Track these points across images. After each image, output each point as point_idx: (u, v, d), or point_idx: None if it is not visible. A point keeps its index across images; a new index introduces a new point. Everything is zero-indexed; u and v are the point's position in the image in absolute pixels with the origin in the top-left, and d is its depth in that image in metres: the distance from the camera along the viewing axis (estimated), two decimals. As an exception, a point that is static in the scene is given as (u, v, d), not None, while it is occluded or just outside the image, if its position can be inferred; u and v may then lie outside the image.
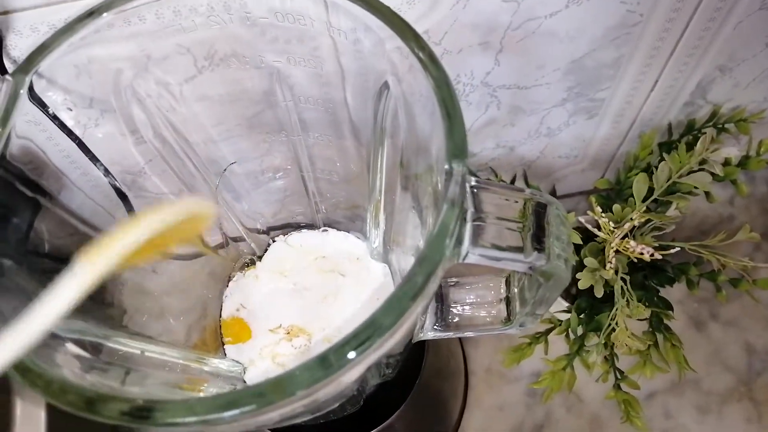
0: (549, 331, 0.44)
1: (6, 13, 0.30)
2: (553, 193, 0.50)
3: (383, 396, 0.37)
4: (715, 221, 0.57)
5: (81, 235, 0.31)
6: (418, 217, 0.27)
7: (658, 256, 0.39)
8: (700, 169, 0.42)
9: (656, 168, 0.40)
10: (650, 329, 0.41)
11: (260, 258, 0.36)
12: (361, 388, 0.26)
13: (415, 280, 0.17)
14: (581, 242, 0.41)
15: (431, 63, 0.20)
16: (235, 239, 0.37)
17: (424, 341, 0.40)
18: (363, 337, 0.16)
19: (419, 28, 0.35)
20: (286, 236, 0.36)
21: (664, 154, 0.40)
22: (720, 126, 0.47)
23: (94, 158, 0.32)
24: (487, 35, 0.37)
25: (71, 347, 0.25)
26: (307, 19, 0.24)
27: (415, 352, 0.39)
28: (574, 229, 0.44)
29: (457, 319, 0.31)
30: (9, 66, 0.31)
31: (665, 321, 0.42)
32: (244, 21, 0.25)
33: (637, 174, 0.40)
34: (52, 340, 0.24)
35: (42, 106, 0.26)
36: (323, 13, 0.23)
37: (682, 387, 0.51)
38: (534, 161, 0.52)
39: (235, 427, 0.20)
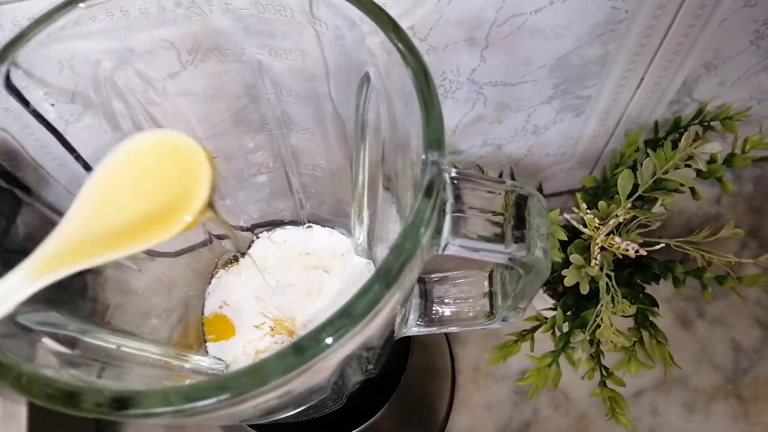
0: (535, 328, 0.44)
1: (-15, 6, 0.29)
2: (540, 191, 0.49)
3: (368, 394, 0.37)
4: (702, 220, 0.57)
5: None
6: (399, 214, 0.27)
7: (643, 252, 0.39)
8: (686, 166, 0.42)
9: (642, 165, 0.40)
10: (635, 326, 0.41)
11: (243, 254, 0.36)
12: (341, 383, 0.26)
13: (389, 268, 0.16)
14: (567, 239, 0.41)
15: (409, 53, 0.19)
16: (219, 236, 0.37)
17: (410, 339, 0.40)
18: (337, 325, 0.16)
19: (404, 24, 0.35)
20: (270, 233, 0.36)
21: (649, 151, 0.40)
22: (706, 124, 0.47)
23: (73, 151, 0.31)
24: (472, 31, 0.37)
25: (47, 342, 0.25)
26: (287, 10, 0.23)
27: (400, 349, 0.39)
28: (561, 227, 0.44)
29: (440, 314, 0.31)
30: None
31: (651, 318, 0.42)
32: (225, 12, 0.24)
33: (622, 171, 0.40)
34: (26, 334, 0.24)
35: (19, 97, 0.26)
36: (303, 4, 0.23)
37: (670, 385, 0.51)
38: (522, 159, 0.52)
39: (213, 418, 0.20)
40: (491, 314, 0.29)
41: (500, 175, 0.53)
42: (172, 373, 0.31)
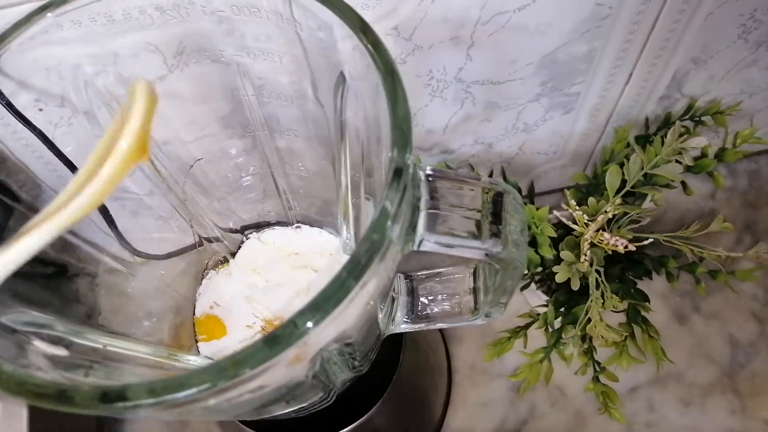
0: (528, 325, 0.44)
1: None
2: (531, 189, 0.50)
3: (360, 391, 0.37)
4: (696, 215, 0.57)
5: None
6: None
7: (632, 248, 0.39)
8: (677, 161, 0.42)
9: (629, 160, 0.40)
10: (627, 321, 0.41)
11: (234, 255, 0.36)
12: (326, 379, 0.26)
13: (357, 261, 0.17)
14: (556, 236, 0.41)
15: (377, 51, 0.20)
16: (209, 239, 0.37)
17: (401, 337, 0.40)
18: (308, 316, 0.16)
19: (388, 24, 0.35)
20: (259, 233, 0.37)
21: (636, 147, 0.40)
22: (697, 119, 0.47)
23: (61, 155, 0.32)
24: (457, 30, 0.37)
25: (37, 343, 0.25)
26: (261, 12, 0.24)
27: (391, 347, 0.39)
28: (552, 225, 0.44)
29: (427, 311, 0.31)
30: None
31: (642, 313, 0.42)
32: (203, 15, 0.25)
33: (610, 167, 0.40)
34: (12, 335, 0.24)
35: (5, 102, 0.26)
36: (276, 5, 0.23)
37: (666, 380, 0.51)
38: (513, 158, 0.52)
39: (203, 411, 0.21)
40: (475, 310, 0.29)
41: (491, 174, 0.53)
42: (164, 372, 0.32)
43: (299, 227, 0.36)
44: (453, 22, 0.36)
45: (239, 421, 0.38)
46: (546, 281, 0.48)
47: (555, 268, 0.41)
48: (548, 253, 0.42)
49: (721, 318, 0.53)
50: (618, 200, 0.40)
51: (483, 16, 0.36)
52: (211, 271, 0.36)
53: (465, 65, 0.40)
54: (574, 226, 0.42)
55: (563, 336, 0.41)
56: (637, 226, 0.43)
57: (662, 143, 0.42)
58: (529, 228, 0.42)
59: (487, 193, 0.23)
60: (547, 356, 0.41)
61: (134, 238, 0.35)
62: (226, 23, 0.25)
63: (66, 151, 0.32)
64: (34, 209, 0.30)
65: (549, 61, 0.41)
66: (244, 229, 0.37)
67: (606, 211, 0.40)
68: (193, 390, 0.16)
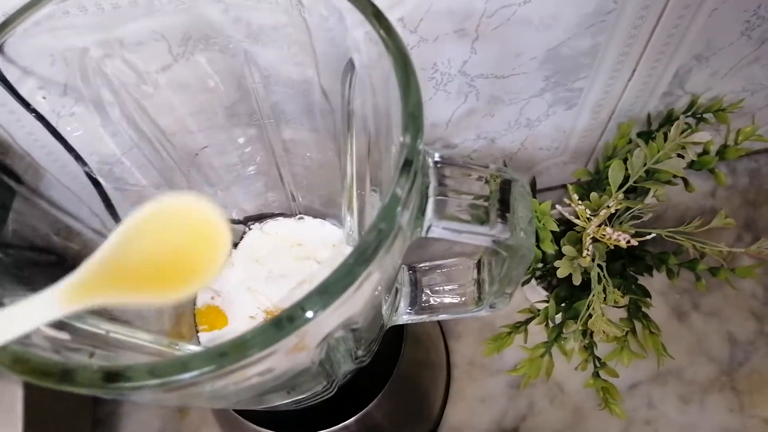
0: (529, 320, 0.44)
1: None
2: (533, 185, 0.50)
3: (360, 384, 0.37)
4: (697, 213, 0.57)
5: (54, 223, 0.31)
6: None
7: (634, 242, 0.39)
8: (678, 156, 0.43)
9: (632, 155, 0.40)
10: (628, 317, 0.41)
11: (236, 246, 0.36)
12: (330, 369, 0.26)
13: (366, 247, 0.17)
14: (558, 230, 0.41)
15: (389, 37, 0.20)
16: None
17: (402, 330, 0.40)
18: (315, 300, 0.16)
19: (394, 16, 0.35)
20: (262, 224, 0.36)
21: (639, 141, 0.40)
22: (699, 116, 0.47)
23: (65, 142, 0.32)
24: (462, 22, 0.37)
25: (42, 326, 0.25)
26: (271, -2, 0.24)
27: (392, 340, 0.39)
28: (555, 220, 0.44)
29: (430, 302, 0.31)
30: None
31: (643, 309, 0.42)
32: (211, 0, 0.25)
33: (613, 162, 0.40)
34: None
35: (8, 87, 0.26)
36: (286, -10, 0.23)
37: (665, 377, 0.51)
38: (515, 153, 0.52)
39: (206, 395, 0.20)
40: (479, 300, 0.29)
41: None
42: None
43: (302, 218, 0.36)
44: (458, 15, 0.36)
45: (238, 413, 0.38)
46: (547, 277, 0.48)
47: (557, 263, 0.41)
48: (550, 248, 0.42)
49: (721, 316, 0.53)
50: (620, 195, 0.40)
51: (488, 8, 0.36)
52: (213, 261, 0.35)
53: (469, 58, 0.40)
54: (577, 221, 0.42)
55: (564, 331, 0.41)
56: (638, 221, 0.43)
57: (665, 139, 0.42)
58: (532, 222, 0.42)
59: (495, 180, 0.23)
60: (548, 351, 0.41)
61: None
62: (232, 10, 0.25)
63: (68, 140, 0.32)
64: (37, 193, 0.30)
65: (553, 56, 0.41)
66: (247, 220, 0.37)
67: (608, 206, 0.40)
68: (197, 372, 0.16)
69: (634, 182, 0.41)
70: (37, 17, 0.24)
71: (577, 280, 0.40)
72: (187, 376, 0.16)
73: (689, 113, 0.47)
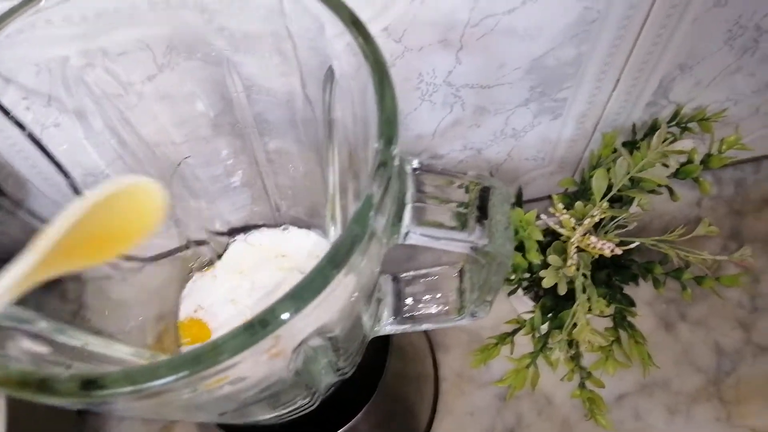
0: (515, 331, 0.44)
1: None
2: (519, 195, 0.50)
3: (344, 397, 0.36)
4: (682, 222, 0.57)
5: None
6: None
7: (618, 251, 0.39)
8: (664, 165, 0.43)
9: (616, 164, 0.40)
10: (613, 326, 0.41)
11: (219, 257, 0.36)
12: (310, 379, 0.26)
13: (338, 251, 0.17)
14: (543, 239, 0.41)
15: (365, 41, 0.20)
16: (196, 242, 0.37)
17: (387, 342, 0.39)
18: (287, 304, 0.16)
19: (378, 26, 0.35)
20: (246, 235, 0.36)
21: (622, 149, 0.40)
22: (683, 126, 0.48)
23: (48, 155, 0.32)
24: (446, 32, 0.37)
25: (19, 338, 0.25)
26: (252, 5, 0.24)
27: (376, 353, 0.39)
28: (541, 231, 0.44)
29: (413, 312, 0.31)
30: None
31: (629, 318, 0.42)
32: (191, 8, 0.25)
33: (597, 171, 0.40)
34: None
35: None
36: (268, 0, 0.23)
37: (652, 388, 0.51)
38: (502, 164, 0.52)
39: (185, 403, 0.20)
40: (461, 309, 0.29)
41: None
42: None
43: (287, 229, 0.36)
44: (442, 25, 0.36)
45: (222, 428, 0.37)
46: (533, 287, 0.47)
47: (542, 273, 0.41)
48: (536, 258, 0.42)
49: (707, 325, 0.53)
50: (605, 204, 0.40)
51: (472, 18, 0.36)
52: (196, 273, 0.35)
53: (454, 68, 0.40)
54: (562, 230, 0.42)
55: (550, 341, 0.41)
56: (623, 231, 0.43)
57: (649, 148, 0.42)
58: (517, 232, 0.42)
59: (473, 188, 0.23)
60: (534, 361, 0.40)
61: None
62: (215, 17, 0.25)
63: (52, 151, 0.31)
64: (19, 204, 0.30)
65: (537, 66, 0.41)
66: (232, 232, 0.37)
67: (593, 215, 0.40)
68: (172, 377, 0.16)
69: (619, 191, 0.41)
70: (20, 24, 0.24)
71: (562, 290, 0.40)
72: (161, 381, 0.16)
73: (673, 123, 0.47)
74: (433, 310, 0.30)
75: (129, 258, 0.33)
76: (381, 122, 0.18)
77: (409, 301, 0.31)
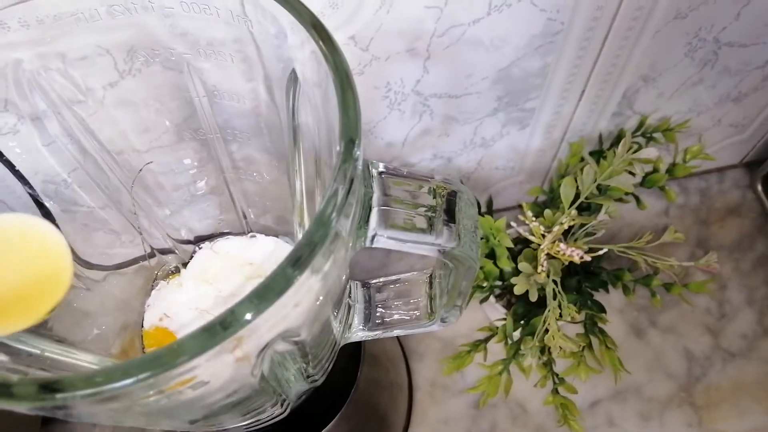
0: (488, 338, 0.44)
1: None
2: (489, 204, 0.50)
3: (316, 405, 0.36)
4: (650, 231, 0.58)
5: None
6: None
7: (587, 258, 0.40)
8: (630, 173, 0.43)
9: (582, 172, 0.41)
10: (585, 332, 0.42)
11: (185, 265, 0.35)
12: (277, 386, 0.26)
13: (300, 251, 0.16)
14: (513, 246, 0.41)
15: (325, 44, 0.20)
16: (161, 251, 0.36)
17: (359, 350, 0.39)
18: (247, 306, 0.16)
19: (345, 34, 0.36)
20: (212, 243, 0.36)
21: (588, 158, 0.41)
22: (648, 136, 0.49)
23: (6, 162, 0.31)
24: (413, 42, 0.37)
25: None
26: (211, 8, 0.24)
27: (348, 360, 0.38)
28: (512, 240, 0.45)
29: (384, 318, 0.31)
30: None
31: (600, 324, 0.42)
32: (149, 11, 0.25)
33: (564, 179, 0.41)
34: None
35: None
36: (227, 2, 0.23)
37: (625, 394, 0.51)
38: (472, 173, 0.52)
39: (142, 408, 0.20)
40: (432, 314, 0.29)
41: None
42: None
43: (254, 236, 0.36)
44: (409, 34, 0.37)
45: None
46: (505, 295, 0.48)
47: (513, 280, 0.41)
48: (507, 266, 0.42)
49: (677, 332, 0.54)
50: (573, 212, 0.41)
51: (438, 28, 0.37)
52: (161, 281, 0.35)
53: (422, 78, 0.40)
54: (532, 238, 0.42)
55: (522, 348, 0.41)
56: (592, 238, 0.44)
57: (614, 156, 0.43)
58: (488, 239, 0.42)
59: (441, 191, 0.24)
60: (506, 368, 0.40)
61: (85, 252, 0.34)
62: (174, 21, 0.25)
63: (11, 158, 0.31)
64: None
65: (504, 76, 0.42)
66: (198, 240, 0.36)
67: (562, 223, 0.40)
68: (131, 379, 0.16)
69: (587, 199, 0.41)
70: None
71: (533, 297, 0.40)
72: (120, 384, 0.16)
73: (638, 133, 0.48)
74: (404, 315, 0.30)
75: (91, 266, 0.32)
76: (342, 124, 0.18)
77: (379, 307, 0.31)
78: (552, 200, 0.47)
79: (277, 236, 0.36)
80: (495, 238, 0.40)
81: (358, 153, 0.18)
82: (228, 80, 0.27)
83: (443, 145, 0.48)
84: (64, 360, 0.28)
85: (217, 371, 0.18)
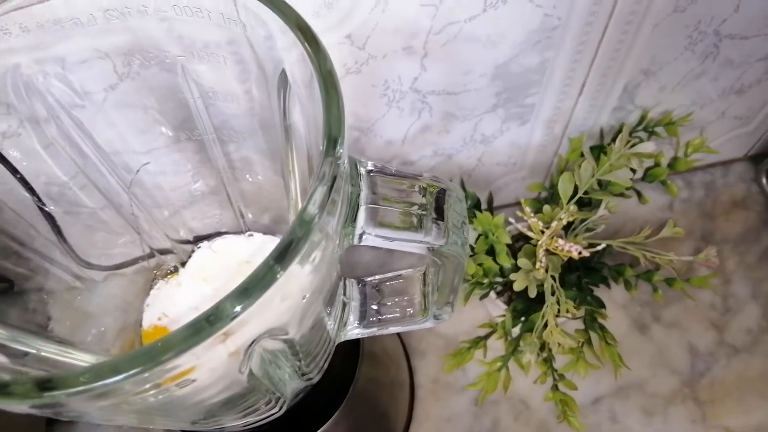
0: (488, 335, 0.44)
1: None
2: (490, 201, 0.50)
3: (314, 404, 0.36)
4: (654, 226, 0.57)
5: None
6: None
7: (586, 254, 0.39)
8: (631, 169, 0.43)
9: (580, 167, 0.41)
10: (584, 328, 0.41)
11: (183, 265, 0.36)
12: (272, 386, 0.26)
13: (282, 247, 0.17)
14: (512, 242, 0.41)
15: (311, 45, 0.20)
16: (161, 251, 0.37)
17: (357, 348, 0.39)
18: (233, 302, 0.16)
19: (341, 33, 0.36)
20: (210, 242, 0.36)
21: (588, 154, 0.41)
22: (650, 130, 0.48)
23: (9, 165, 0.31)
24: (410, 39, 0.37)
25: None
26: (203, 12, 0.24)
27: (347, 359, 0.39)
28: (512, 236, 0.45)
29: (379, 315, 0.31)
30: None
31: (600, 320, 0.42)
32: (144, 15, 0.25)
33: (562, 174, 0.41)
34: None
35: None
36: (219, 5, 0.23)
37: (628, 390, 0.51)
38: (473, 169, 0.52)
39: (138, 405, 0.20)
40: (425, 310, 0.29)
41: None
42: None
43: (252, 235, 0.36)
44: (405, 32, 0.37)
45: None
46: (505, 291, 0.48)
47: (512, 276, 0.41)
48: (506, 262, 0.42)
49: (681, 327, 0.54)
50: (572, 207, 0.41)
51: (434, 26, 0.37)
52: (160, 281, 0.35)
53: (420, 75, 0.40)
54: (531, 234, 0.42)
55: (521, 344, 0.41)
56: (592, 233, 0.44)
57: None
58: (487, 236, 0.42)
59: (429, 189, 0.24)
60: (505, 364, 0.40)
61: (86, 252, 0.34)
62: (169, 24, 0.25)
63: (13, 162, 0.31)
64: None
65: (502, 72, 0.41)
66: (196, 239, 0.37)
67: (560, 218, 0.40)
68: (124, 374, 0.16)
69: (586, 194, 0.41)
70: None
71: (532, 293, 0.40)
72: (115, 379, 0.16)
73: (640, 127, 0.48)
74: (399, 312, 0.31)
75: (91, 267, 0.33)
76: (326, 122, 0.19)
77: (374, 304, 0.31)
78: (552, 196, 0.46)
79: (274, 235, 0.36)
80: (494, 235, 0.40)
81: (341, 151, 0.19)
82: (222, 81, 0.28)
83: (443, 142, 0.48)
84: (63, 361, 0.28)
85: (206, 367, 0.18)
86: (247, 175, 0.33)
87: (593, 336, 0.41)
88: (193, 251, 0.36)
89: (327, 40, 0.29)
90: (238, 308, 0.16)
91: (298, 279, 0.18)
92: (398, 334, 0.52)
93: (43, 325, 0.31)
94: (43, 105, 0.28)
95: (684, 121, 0.48)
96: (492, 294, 0.46)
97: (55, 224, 0.34)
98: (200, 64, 0.27)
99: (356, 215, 0.22)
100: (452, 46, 0.38)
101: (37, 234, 0.33)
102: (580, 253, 0.39)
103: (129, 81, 0.30)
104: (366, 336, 0.31)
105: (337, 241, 0.21)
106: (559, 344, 0.38)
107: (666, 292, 0.47)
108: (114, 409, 0.21)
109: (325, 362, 0.31)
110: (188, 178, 0.34)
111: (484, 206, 0.48)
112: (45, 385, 0.17)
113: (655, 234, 0.41)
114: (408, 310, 0.30)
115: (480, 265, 0.43)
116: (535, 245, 0.43)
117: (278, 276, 0.16)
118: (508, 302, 0.48)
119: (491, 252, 0.43)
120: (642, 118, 0.49)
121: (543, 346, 0.41)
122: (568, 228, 0.45)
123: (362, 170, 0.23)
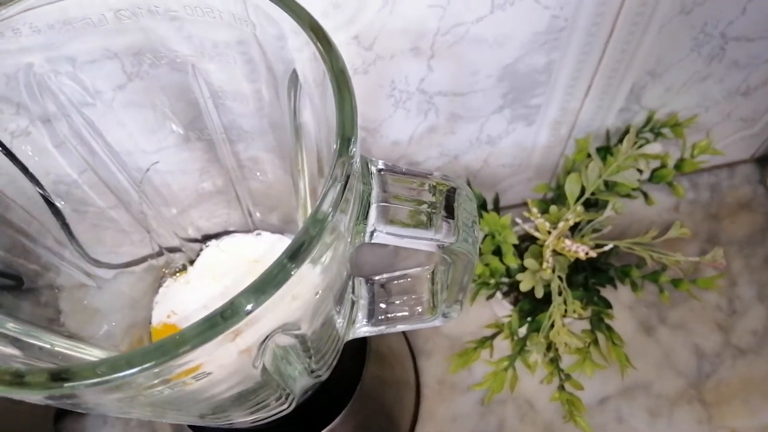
0: (495, 335, 0.44)
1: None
2: (496, 201, 0.50)
3: (322, 402, 0.36)
4: (660, 227, 0.58)
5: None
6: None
7: (592, 254, 0.40)
8: (638, 170, 0.43)
9: (588, 168, 0.41)
10: (591, 328, 0.42)
11: (192, 263, 0.36)
12: (282, 382, 0.26)
13: (296, 245, 0.17)
14: (518, 242, 0.41)
15: (322, 43, 0.20)
16: (170, 249, 0.37)
17: (364, 347, 0.39)
18: (247, 298, 0.16)
19: (348, 34, 0.36)
20: (219, 241, 0.36)
21: (595, 155, 0.41)
22: (657, 131, 0.48)
23: (19, 164, 0.32)
24: (417, 41, 0.38)
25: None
26: (215, 12, 0.24)
27: (355, 356, 0.39)
28: (519, 237, 0.45)
29: (387, 313, 0.31)
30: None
31: (606, 320, 0.42)
32: (155, 15, 0.25)
33: (569, 175, 0.41)
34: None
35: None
36: (229, 5, 0.24)
37: (634, 391, 0.51)
38: (479, 170, 0.52)
39: (150, 399, 0.20)
40: (434, 309, 0.29)
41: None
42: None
43: (260, 234, 0.36)
44: (412, 33, 0.37)
45: (197, 429, 0.37)
46: (512, 291, 0.48)
47: (519, 276, 0.41)
48: (513, 262, 0.43)
49: (687, 328, 0.54)
50: (579, 208, 0.41)
51: (441, 27, 0.37)
52: (169, 279, 0.35)
53: (427, 76, 0.40)
54: (538, 234, 0.42)
55: (528, 344, 0.41)
56: (599, 234, 0.44)
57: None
58: (493, 236, 0.42)
59: (440, 188, 0.24)
60: (512, 364, 0.41)
61: (95, 251, 0.35)
62: (179, 24, 0.26)
63: (23, 160, 0.31)
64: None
65: (509, 73, 0.42)
66: (205, 238, 0.37)
67: (567, 219, 0.40)
68: (137, 368, 0.16)
69: (593, 195, 0.41)
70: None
71: (539, 293, 0.41)
72: (127, 372, 0.16)
73: (647, 128, 0.48)
74: (408, 311, 0.31)
75: (101, 265, 0.33)
76: (339, 122, 0.19)
77: (382, 303, 0.31)
78: (558, 197, 0.47)
79: (282, 234, 0.36)
80: (500, 235, 0.41)
81: (354, 150, 0.19)
82: (232, 81, 0.28)
83: (449, 142, 0.48)
84: (74, 355, 0.29)
85: (219, 362, 0.18)
86: (257, 173, 0.33)
87: (600, 336, 0.41)
88: (201, 249, 0.36)
89: (334, 41, 0.29)
90: (252, 305, 0.16)
91: (310, 277, 0.18)
92: (404, 335, 0.52)
93: (55, 320, 0.31)
94: (54, 104, 0.28)
95: (689, 122, 0.48)
96: (498, 294, 0.46)
97: (64, 222, 0.34)
98: (210, 63, 0.27)
99: (367, 213, 0.22)
100: (459, 47, 0.39)
101: (47, 232, 0.33)
102: (586, 253, 0.39)
103: (139, 80, 0.31)
104: (375, 334, 0.32)
105: (349, 239, 0.21)
106: (566, 344, 0.38)
107: (672, 294, 0.47)
108: (129, 402, 0.21)
109: (333, 359, 0.31)
110: (197, 177, 0.34)
111: (490, 207, 0.48)
112: (60, 376, 0.17)
113: (662, 235, 0.41)
114: (416, 308, 0.30)
115: (487, 265, 0.43)
116: (542, 246, 0.43)
117: (292, 273, 0.17)
118: (514, 303, 0.48)
119: (498, 252, 0.44)
120: (648, 119, 0.49)
121: (550, 346, 0.41)
122: (574, 228, 0.45)
123: (373, 169, 0.23)
